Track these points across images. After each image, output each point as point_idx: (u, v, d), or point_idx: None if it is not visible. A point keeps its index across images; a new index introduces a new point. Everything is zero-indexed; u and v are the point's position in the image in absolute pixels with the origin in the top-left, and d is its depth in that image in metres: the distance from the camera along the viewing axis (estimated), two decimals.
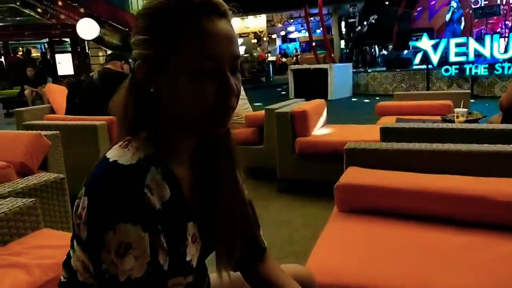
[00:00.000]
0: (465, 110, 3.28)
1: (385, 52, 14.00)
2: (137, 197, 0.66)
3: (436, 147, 1.79)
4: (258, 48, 19.54)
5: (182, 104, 0.71)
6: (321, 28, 13.00)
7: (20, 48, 14.25)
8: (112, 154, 0.70)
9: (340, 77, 10.38)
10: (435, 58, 9.19)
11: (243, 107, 4.06)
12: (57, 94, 5.33)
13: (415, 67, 10.05)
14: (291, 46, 26.44)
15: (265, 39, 20.81)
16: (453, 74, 9.19)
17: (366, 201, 1.65)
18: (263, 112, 3.73)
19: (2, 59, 13.65)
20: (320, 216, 1.96)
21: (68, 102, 4.88)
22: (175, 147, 0.77)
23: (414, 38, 10.81)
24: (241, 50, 18.49)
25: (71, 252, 0.75)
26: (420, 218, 1.55)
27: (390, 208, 1.61)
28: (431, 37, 9.91)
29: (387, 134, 2.27)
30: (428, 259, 1.29)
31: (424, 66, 9.46)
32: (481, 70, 8.82)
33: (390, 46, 13.52)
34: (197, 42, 0.68)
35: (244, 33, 19.60)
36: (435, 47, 9.18)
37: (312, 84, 10.08)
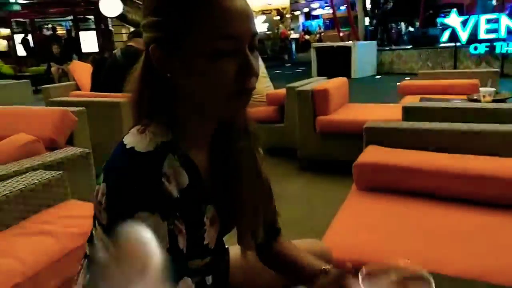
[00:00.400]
0: (493, 89, 3.19)
1: (411, 29, 13.59)
2: (154, 186, 0.64)
3: (458, 127, 1.76)
4: (280, 25, 19.25)
5: (200, 87, 0.68)
6: (345, 5, 12.67)
7: (46, 26, 14.46)
8: (129, 140, 0.68)
9: (364, 55, 10.16)
10: (464, 35, 8.85)
11: (265, 85, 4.05)
12: (82, 72, 5.45)
13: (442, 44, 9.72)
14: (314, 23, 25.91)
15: (288, 16, 20.45)
16: (482, 52, 8.84)
17: (384, 179, 1.66)
18: (284, 90, 3.72)
19: (29, 37, 13.89)
20: (340, 194, 1.98)
21: (93, 79, 4.99)
22: (193, 132, 0.75)
23: (442, 15, 10.44)
24: (264, 27, 18.29)
25: (93, 230, 0.76)
26: (439, 197, 1.54)
27: (408, 187, 1.61)
28: (460, 14, 9.53)
29: (409, 113, 2.24)
30: (445, 238, 1.29)
31: (451, 44, 9.14)
32: None
33: (417, 23, 13.10)
34: (213, 20, 0.64)
35: (267, 10, 19.30)
36: (464, 23, 8.83)
37: (335, 62, 9.91)
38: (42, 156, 1.70)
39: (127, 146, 0.67)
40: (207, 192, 0.76)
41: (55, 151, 1.84)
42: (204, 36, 0.65)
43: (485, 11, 10.12)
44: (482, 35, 8.72)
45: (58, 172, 1.44)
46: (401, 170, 1.62)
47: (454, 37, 8.98)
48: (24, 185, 1.32)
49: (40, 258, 1.06)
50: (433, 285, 0.65)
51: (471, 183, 1.50)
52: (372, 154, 1.77)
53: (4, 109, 3.16)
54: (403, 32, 13.63)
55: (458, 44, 8.95)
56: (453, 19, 8.97)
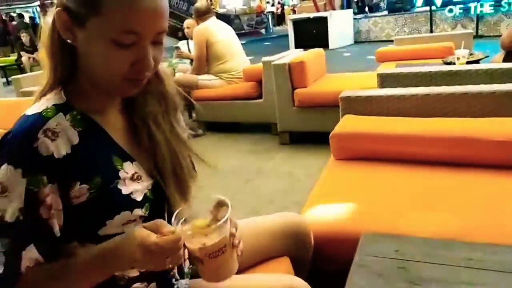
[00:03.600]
0: (466, 51, 3.21)
1: None
2: (26, 142, 0.69)
3: (431, 91, 1.77)
4: None
5: (96, 65, 0.73)
6: None
7: (13, 14, 13.91)
8: (27, 110, 0.75)
9: (341, 25, 10.11)
10: None
11: (241, 60, 4.00)
12: None
13: (418, 9, 9.72)
14: None
15: None
16: (457, 14, 8.89)
17: (361, 148, 1.67)
18: (260, 65, 3.67)
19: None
20: (322, 166, 2.00)
21: None
22: (96, 99, 0.79)
23: None
24: (239, 2, 17.96)
25: None
26: (415, 162, 1.56)
27: (385, 154, 1.63)
28: None
29: (384, 80, 2.24)
30: (422, 201, 1.32)
31: (427, 8, 9.15)
32: (487, 9, 8.52)
33: None
34: (119, 14, 0.67)
35: None
36: None
37: (313, 34, 9.85)
38: None
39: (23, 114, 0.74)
40: (123, 150, 0.81)
41: None
42: (108, 24, 0.68)
43: None
44: None
45: None
46: (377, 137, 1.63)
47: (429, 1, 8.99)
48: None
49: None
50: (226, 216, 0.72)
51: (446, 145, 1.52)
52: (348, 124, 1.78)
53: None
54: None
55: (433, 8, 8.96)
56: None
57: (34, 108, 0.74)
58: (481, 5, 8.53)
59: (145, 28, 0.69)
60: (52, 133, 0.71)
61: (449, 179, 1.43)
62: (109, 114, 0.82)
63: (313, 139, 3.37)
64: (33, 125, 0.70)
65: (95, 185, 0.74)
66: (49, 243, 0.72)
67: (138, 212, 0.79)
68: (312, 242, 1.15)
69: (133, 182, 0.80)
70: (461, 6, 8.77)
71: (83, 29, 0.70)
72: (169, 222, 0.74)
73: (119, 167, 0.78)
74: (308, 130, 3.40)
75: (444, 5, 8.92)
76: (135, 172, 0.81)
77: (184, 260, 1.00)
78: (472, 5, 8.61)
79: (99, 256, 0.71)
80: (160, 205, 0.86)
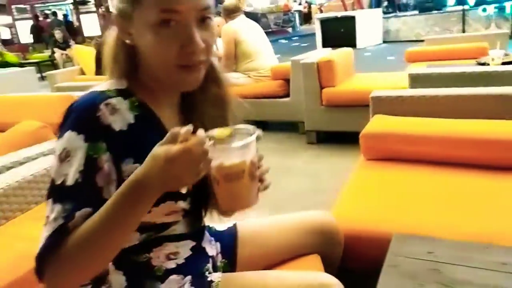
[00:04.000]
0: (502, 51, 3.12)
1: None
2: (89, 111, 0.73)
3: (464, 92, 1.74)
4: None
5: (152, 57, 0.75)
6: None
7: (47, 11, 14.35)
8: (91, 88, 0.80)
9: (369, 24, 9.97)
10: None
11: (269, 59, 4.01)
12: (86, 56, 5.44)
13: (449, 8, 9.48)
14: None
15: None
16: (491, 13, 8.62)
17: (391, 149, 1.65)
18: (288, 64, 3.68)
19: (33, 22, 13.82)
20: (348, 166, 1.98)
21: (97, 62, 4.98)
22: (156, 94, 0.82)
23: None
24: (266, 1, 17.95)
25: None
26: (448, 164, 1.54)
27: (416, 155, 1.60)
28: None
29: (415, 80, 2.21)
30: (455, 203, 1.30)
31: (459, 7, 8.91)
32: None
33: None
34: None
35: None
36: None
37: (340, 33, 9.75)
38: (52, 141, 1.72)
39: None
40: None
41: None
42: (148, 10, 0.71)
43: None
44: None
45: None
46: (408, 138, 1.61)
47: (462, 0, 8.75)
48: (36, 170, 1.34)
49: None
50: (256, 135, 0.71)
51: (479, 147, 1.49)
52: (379, 124, 1.76)
53: (11, 97, 3.18)
54: None
55: (465, 7, 8.71)
56: None
57: (97, 87, 0.79)
58: None
59: (185, 4, 0.70)
60: (112, 108, 0.75)
61: (483, 182, 1.40)
62: (166, 109, 0.84)
63: (340, 139, 3.35)
64: (96, 97, 0.75)
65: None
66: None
67: (182, 204, 0.82)
68: (343, 241, 1.15)
69: None
70: (496, 5, 8.49)
71: (133, 25, 0.74)
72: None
73: None
74: (335, 130, 3.38)
75: (477, 4, 8.67)
76: None
77: (217, 253, 1.02)
78: (507, 4, 8.33)
79: (127, 189, 0.67)
80: (200, 201, 0.88)
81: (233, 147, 0.69)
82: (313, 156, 3.27)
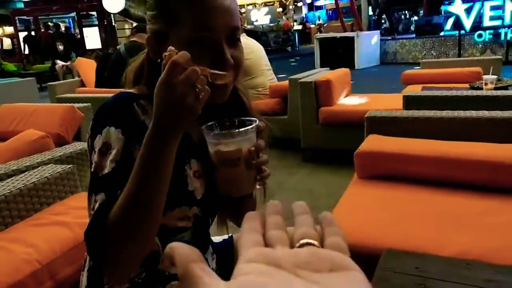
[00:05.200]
0: (494, 77, 3.20)
1: (416, 18, 13.50)
2: (124, 107, 0.78)
3: (457, 114, 1.79)
4: (283, 17, 19.18)
5: None
6: None
7: (50, 23, 14.49)
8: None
9: (367, 46, 10.13)
10: (468, 23, 8.80)
11: (268, 77, 4.08)
12: (87, 68, 5.50)
13: (446, 33, 9.67)
14: (310, 14, 25.73)
15: (290, 7, 20.36)
16: (486, 39, 8.80)
17: (385, 167, 1.70)
18: (287, 82, 3.74)
19: (33, 34, 13.95)
20: (343, 184, 2.02)
21: (97, 75, 5.04)
22: None
23: (446, 2, 10.35)
24: (266, 19, 18.22)
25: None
26: (438, 184, 1.58)
27: (409, 174, 1.65)
28: (465, 0, 9.47)
29: (409, 102, 2.27)
30: (443, 221, 1.33)
31: (455, 32, 9.09)
32: None
33: (422, 11, 13.00)
34: (193, 14, 0.74)
35: (269, 2, 19.22)
36: (468, 11, 8.78)
37: (339, 53, 9.90)
38: (52, 151, 1.76)
39: None
40: (193, 145, 0.85)
41: (64, 146, 1.90)
42: (185, 27, 0.75)
43: None
44: (486, 22, 8.66)
45: (68, 166, 1.50)
46: (401, 157, 1.66)
47: (458, 25, 8.93)
48: (37, 178, 1.37)
49: (55, 246, 1.12)
50: (254, 125, 0.75)
51: (469, 168, 1.53)
52: (373, 143, 1.81)
53: (13, 107, 3.23)
54: (407, 21, 13.55)
55: (462, 32, 8.89)
56: (457, 7, 8.91)
57: (127, 91, 0.83)
58: None
59: (216, 22, 0.75)
60: (142, 108, 0.79)
61: (472, 202, 1.44)
62: None
63: (335, 157, 3.39)
64: (130, 97, 0.80)
65: None
66: None
67: (195, 210, 0.85)
68: None
69: (195, 179, 0.85)
70: (491, 31, 8.68)
71: (166, 44, 0.74)
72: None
73: (186, 160, 0.84)
74: (331, 148, 3.43)
75: (473, 29, 8.84)
76: (197, 170, 0.86)
77: (215, 265, 1.04)
78: (502, 31, 8.51)
79: (150, 138, 0.68)
80: (211, 207, 0.92)
81: (230, 133, 0.73)
82: (309, 174, 3.30)
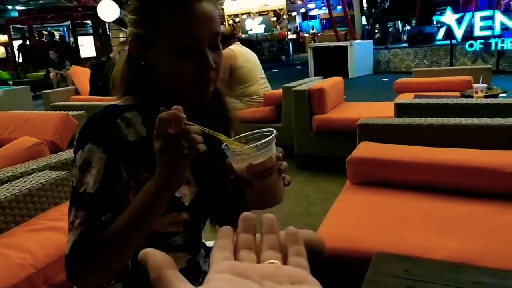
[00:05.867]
0: (484, 85, 3.25)
1: (408, 27, 13.66)
2: (107, 125, 0.80)
3: (447, 122, 1.83)
4: (278, 26, 19.33)
5: (166, 77, 0.82)
6: (342, 4, 12.75)
7: (44, 32, 14.50)
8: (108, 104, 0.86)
9: (361, 55, 10.23)
10: (459, 33, 8.92)
11: (262, 86, 4.12)
12: (81, 76, 5.52)
13: (438, 42, 9.80)
14: (304, 24, 25.97)
15: (284, 17, 20.53)
16: (477, 49, 8.92)
17: (377, 173, 1.72)
18: (280, 90, 3.78)
19: (27, 43, 13.95)
20: (337, 191, 2.05)
21: (91, 83, 5.06)
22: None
23: (438, 12, 10.50)
24: (261, 28, 18.36)
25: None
26: (428, 189, 1.61)
27: (400, 180, 1.68)
28: (456, 11, 9.61)
29: (401, 110, 2.31)
30: (433, 226, 1.36)
31: (447, 42, 9.22)
32: (508, 44, 8.53)
33: (414, 21, 13.17)
34: (176, 22, 0.77)
35: (264, 11, 19.39)
36: (459, 21, 8.91)
37: (332, 62, 9.98)
38: (47, 158, 1.77)
39: None
40: None
41: (59, 153, 1.91)
42: (169, 35, 0.78)
43: (480, 8, 10.17)
44: (477, 32, 8.79)
45: (64, 172, 1.51)
46: (392, 164, 1.69)
47: (450, 34, 9.05)
48: (32, 184, 1.38)
49: (50, 251, 1.13)
50: (272, 137, 0.73)
51: (459, 174, 1.57)
52: (365, 150, 1.84)
53: (7, 114, 3.23)
54: (400, 31, 13.70)
55: (454, 41, 9.02)
56: (448, 17, 9.04)
57: (114, 103, 0.86)
58: (503, 41, 8.55)
59: (200, 30, 0.78)
60: (127, 121, 0.81)
61: (461, 207, 1.47)
62: None
63: (329, 164, 3.41)
64: (113, 111, 0.82)
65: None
66: None
67: (184, 215, 0.87)
68: (325, 258, 1.20)
69: (184, 186, 0.87)
70: (482, 41, 8.81)
71: (150, 50, 0.81)
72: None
73: None
74: (325, 155, 3.45)
75: (465, 39, 8.97)
76: (186, 177, 0.87)
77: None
78: (493, 40, 8.65)
79: (147, 191, 0.72)
80: (201, 213, 0.94)
81: (258, 146, 0.72)
82: (302, 181, 3.33)
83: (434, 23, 11.10)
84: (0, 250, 1.12)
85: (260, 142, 0.72)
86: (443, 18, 9.23)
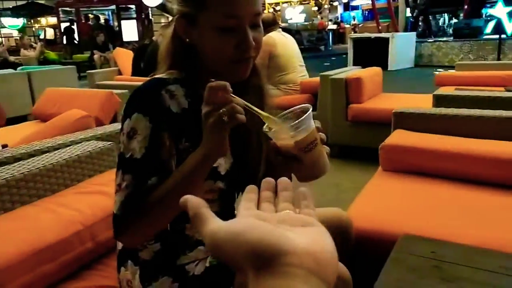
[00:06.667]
0: None
1: (455, 20, 13.13)
2: (153, 96, 0.86)
3: (486, 113, 1.80)
4: (318, 16, 19.07)
5: (209, 53, 0.87)
6: None
7: (90, 15, 15.00)
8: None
9: (402, 47, 9.96)
10: (509, 27, 8.52)
11: (300, 74, 4.13)
12: (124, 58, 5.72)
13: (486, 36, 9.38)
14: (346, 14, 25.39)
15: (326, 6, 20.21)
16: None
17: (409, 161, 1.73)
18: (318, 79, 3.78)
19: (74, 27, 14.49)
20: (368, 179, 2.06)
21: (133, 65, 5.24)
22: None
23: (488, 5, 10.03)
24: (301, 18, 18.18)
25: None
26: (460, 179, 1.60)
27: (431, 169, 1.68)
28: (509, 4, 9.14)
29: (439, 101, 2.28)
30: (462, 214, 1.37)
31: (496, 36, 8.81)
32: None
33: (462, 14, 12.64)
34: (220, 2, 0.82)
35: (305, 1, 19.16)
36: (511, 14, 8.49)
37: (372, 54, 9.78)
38: (94, 129, 1.88)
39: None
40: None
41: (103, 126, 2.03)
42: (213, 14, 0.83)
43: None
44: None
45: (109, 143, 1.61)
46: (425, 152, 1.69)
47: (499, 28, 8.65)
48: (80, 151, 1.50)
49: (96, 211, 1.23)
50: (310, 111, 0.75)
51: (491, 166, 1.55)
52: (399, 137, 1.84)
53: (57, 91, 3.43)
54: (446, 24, 13.20)
55: (503, 36, 8.60)
56: (499, 9, 8.64)
57: (160, 75, 0.92)
58: None
59: (243, 11, 0.82)
60: (170, 93, 0.88)
61: (491, 197, 1.46)
62: None
63: (363, 154, 3.41)
64: (158, 83, 0.88)
65: (194, 146, 0.86)
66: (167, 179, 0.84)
67: (219, 184, 0.94)
68: (354, 237, 1.24)
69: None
70: None
71: (195, 27, 0.86)
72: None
73: None
74: (359, 145, 3.45)
75: None
76: (227, 147, 0.92)
77: None
78: None
79: (194, 158, 0.79)
80: (236, 183, 0.99)
81: (301, 121, 0.74)
82: (335, 169, 3.33)
83: (484, 16, 10.61)
84: (53, 208, 1.23)
85: (302, 118, 0.74)
86: (493, 11, 8.83)
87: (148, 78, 0.93)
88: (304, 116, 0.74)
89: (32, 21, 19.21)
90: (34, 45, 12.52)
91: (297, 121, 0.74)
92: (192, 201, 0.38)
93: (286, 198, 0.41)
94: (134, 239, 0.89)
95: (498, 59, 8.69)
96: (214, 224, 0.34)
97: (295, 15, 18.54)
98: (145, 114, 0.84)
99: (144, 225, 0.84)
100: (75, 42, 14.20)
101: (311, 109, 0.76)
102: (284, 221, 0.35)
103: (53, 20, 17.12)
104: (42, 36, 17.61)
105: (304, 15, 18.16)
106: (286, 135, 0.76)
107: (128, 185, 0.83)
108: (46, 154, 1.47)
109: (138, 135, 0.84)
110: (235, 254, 0.32)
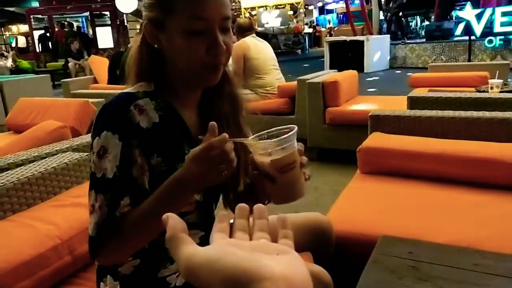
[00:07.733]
0: (500, 81, 3.24)
1: (427, 23, 13.48)
2: (121, 112, 0.84)
3: (458, 114, 1.86)
4: (294, 20, 19.25)
5: (179, 59, 0.86)
6: None
7: (64, 22, 14.73)
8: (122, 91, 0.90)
9: (377, 50, 10.16)
10: (478, 29, 8.77)
11: (276, 77, 4.16)
12: (100, 65, 5.64)
13: (456, 38, 9.66)
14: (321, 18, 25.76)
15: (301, 10, 20.41)
16: (497, 45, 8.78)
17: (386, 163, 1.77)
18: (295, 82, 3.82)
19: (47, 34, 14.21)
20: (347, 183, 2.09)
21: (109, 73, 5.17)
22: (180, 93, 0.91)
23: (457, 8, 10.33)
24: (277, 22, 18.31)
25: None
26: (436, 179, 1.65)
27: (408, 170, 1.72)
28: (476, 6, 9.45)
29: (414, 103, 2.34)
30: (438, 213, 1.40)
31: (466, 38, 9.08)
32: None
33: (433, 17, 12.99)
34: (190, 5, 0.81)
35: (281, 5, 19.30)
36: (479, 16, 8.76)
37: (348, 57, 9.94)
38: (70, 140, 1.85)
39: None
40: (193, 139, 0.90)
41: (80, 136, 2.00)
42: (181, 17, 0.82)
43: (501, 3, 9.98)
44: (497, 28, 8.64)
45: (86, 154, 1.59)
46: (402, 154, 1.73)
47: (469, 30, 8.91)
48: (56, 164, 1.47)
49: (74, 224, 1.21)
50: (294, 132, 0.74)
51: (465, 165, 1.60)
52: (376, 140, 1.88)
53: (30, 100, 3.35)
54: (418, 26, 13.54)
55: (472, 37, 8.87)
56: (468, 12, 8.88)
57: (127, 90, 0.90)
58: None
59: (211, 13, 0.81)
60: (139, 108, 0.86)
61: (466, 196, 1.51)
62: (188, 108, 0.94)
63: (341, 156, 3.45)
64: (126, 99, 0.86)
65: (166, 161, 0.87)
66: (140, 197, 0.84)
67: (196, 197, 0.93)
68: (334, 240, 1.25)
69: None
70: (501, 37, 8.66)
71: (164, 32, 0.85)
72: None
73: (186, 151, 0.89)
74: (337, 148, 3.49)
75: (484, 35, 8.83)
76: None
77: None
78: None
79: (169, 186, 0.79)
80: (212, 195, 1.00)
81: (281, 141, 0.72)
82: (313, 172, 3.33)
83: (453, 18, 10.92)
84: (29, 222, 1.20)
85: (283, 136, 0.73)
86: (462, 14, 9.08)
87: (123, 87, 0.92)
88: (285, 136, 0.73)
89: (2, 29, 18.74)
90: (6, 53, 12.21)
91: (277, 139, 0.73)
92: (172, 222, 0.37)
93: (262, 227, 0.40)
94: (111, 259, 0.88)
95: (469, 60, 8.94)
96: (190, 249, 0.34)
97: (271, 19, 18.65)
98: (114, 132, 0.82)
99: (120, 247, 0.84)
100: (50, 49, 13.92)
101: (294, 130, 0.75)
102: (260, 249, 0.35)
103: (25, 27, 16.75)
104: (14, 44, 17.19)
105: (280, 19, 18.28)
106: (264, 151, 0.75)
107: (101, 206, 0.82)
108: (20, 167, 1.44)
109: (108, 154, 0.82)
110: (210, 280, 0.32)
